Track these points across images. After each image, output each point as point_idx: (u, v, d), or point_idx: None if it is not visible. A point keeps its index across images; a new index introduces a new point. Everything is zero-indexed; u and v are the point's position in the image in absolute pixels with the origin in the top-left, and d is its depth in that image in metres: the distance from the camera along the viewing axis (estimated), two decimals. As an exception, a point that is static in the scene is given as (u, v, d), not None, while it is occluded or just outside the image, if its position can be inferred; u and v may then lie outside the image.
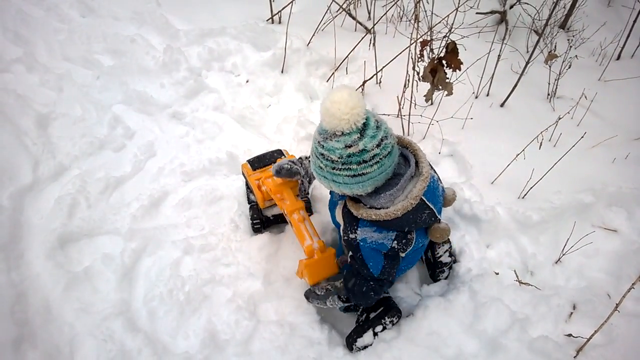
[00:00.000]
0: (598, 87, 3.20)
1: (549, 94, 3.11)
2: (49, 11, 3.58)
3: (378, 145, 1.59)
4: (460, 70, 2.36)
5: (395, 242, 1.79)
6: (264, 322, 2.18)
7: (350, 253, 1.90)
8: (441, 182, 1.94)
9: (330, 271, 2.10)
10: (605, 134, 2.83)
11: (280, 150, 2.49)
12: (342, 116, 1.53)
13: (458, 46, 2.36)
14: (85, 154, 2.76)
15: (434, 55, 2.38)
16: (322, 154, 1.64)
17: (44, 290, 2.18)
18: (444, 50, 2.34)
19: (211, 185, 2.63)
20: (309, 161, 2.04)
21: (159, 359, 2.03)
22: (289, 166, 2.14)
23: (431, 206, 1.77)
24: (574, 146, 2.49)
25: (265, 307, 2.24)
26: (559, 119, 2.64)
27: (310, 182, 2.29)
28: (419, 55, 2.35)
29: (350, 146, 1.58)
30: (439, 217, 1.84)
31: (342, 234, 1.91)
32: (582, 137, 2.53)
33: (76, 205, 2.49)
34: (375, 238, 1.79)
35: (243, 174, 2.49)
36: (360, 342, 2.10)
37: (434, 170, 1.93)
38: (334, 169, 1.64)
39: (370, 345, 2.10)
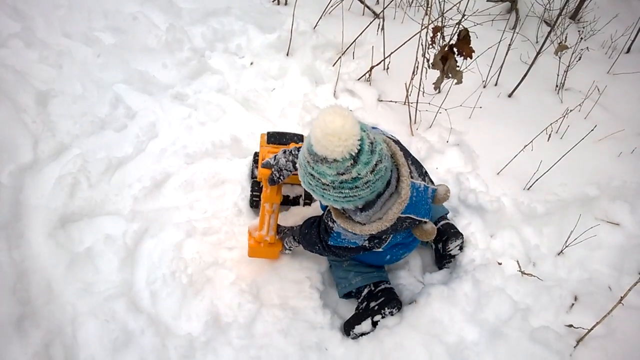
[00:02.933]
0: (607, 80, 3.19)
1: (557, 86, 3.09)
2: (48, -15, 3.50)
3: (372, 171, 1.52)
4: (471, 58, 2.33)
5: (367, 242, 1.83)
6: (266, 306, 2.18)
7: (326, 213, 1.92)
8: (431, 184, 1.88)
9: (270, 257, 2.27)
10: (612, 127, 2.82)
11: (302, 136, 2.42)
12: (335, 148, 1.44)
13: (470, 34, 2.33)
14: (86, 133, 2.71)
15: (445, 42, 2.34)
16: (312, 175, 1.57)
17: (46, 269, 2.16)
18: (456, 38, 2.31)
19: (214, 168, 2.60)
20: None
21: (161, 340, 2.03)
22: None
23: (412, 216, 1.76)
24: (582, 139, 2.48)
25: (268, 291, 2.24)
26: (569, 111, 2.63)
27: None
28: (430, 42, 2.32)
29: (342, 174, 1.50)
30: (423, 219, 1.82)
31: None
32: (592, 130, 2.52)
33: (77, 185, 2.45)
34: (349, 237, 1.83)
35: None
36: (357, 329, 2.10)
37: (422, 173, 1.87)
38: (324, 189, 1.58)
39: (368, 333, 2.11)
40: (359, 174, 1.50)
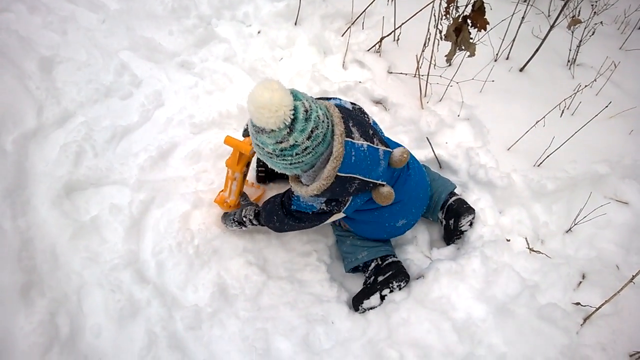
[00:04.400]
0: (619, 56, 3.12)
1: (569, 61, 3.03)
2: (52, -54, 3.39)
3: (309, 138, 1.62)
4: (485, 30, 2.27)
5: (324, 205, 1.89)
6: (273, 278, 2.19)
7: None
8: (382, 147, 1.88)
9: None
10: (624, 104, 2.78)
11: None
12: (268, 120, 1.54)
13: (484, 5, 2.26)
14: (90, 101, 2.67)
15: (459, 14, 2.28)
16: (258, 145, 1.68)
17: (51, 238, 2.14)
18: (470, 9, 2.24)
19: (221, 138, 2.56)
20: None
21: (168, 310, 2.03)
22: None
23: (359, 177, 1.78)
24: (595, 116, 2.44)
25: (274, 263, 2.25)
26: (581, 88, 2.57)
27: None
28: (443, 13, 2.25)
29: (281, 142, 1.60)
30: (377, 182, 1.85)
31: None
32: (606, 107, 2.48)
33: (82, 153, 2.42)
34: (306, 200, 1.91)
35: None
36: (366, 303, 2.10)
37: (367, 126, 1.89)
38: (270, 158, 1.69)
39: (376, 307, 2.11)
40: (296, 142, 1.60)
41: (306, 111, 1.60)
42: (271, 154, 1.66)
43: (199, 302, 2.08)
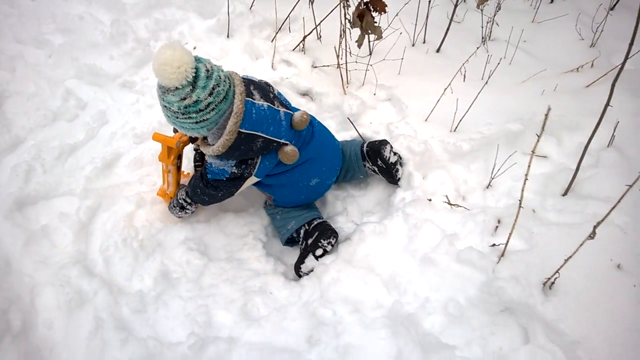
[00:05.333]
0: (531, 28, 3.37)
1: (483, 38, 3.25)
2: (-1, -3, 3.65)
3: (210, 94, 1.79)
4: (385, 12, 2.48)
5: (235, 168, 2.03)
6: (213, 260, 2.33)
7: None
8: (282, 108, 2.07)
9: None
10: (536, 70, 2.98)
11: None
12: (170, 76, 1.70)
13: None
14: (39, 126, 2.86)
15: (360, 0, 2.50)
16: (165, 106, 1.85)
17: (4, 248, 2.28)
18: (368, -5, 2.46)
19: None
20: None
21: (114, 298, 2.17)
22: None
23: (262, 135, 1.94)
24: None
25: (214, 247, 2.40)
26: (490, 57, 2.78)
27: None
28: (345, 1, 2.48)
29: (184, 99, 1.77)
30: (280, 141, 2.02)
31: None
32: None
33: (32, 171, 2.59)
34: (217, 164, 2.05)
35: None
36: (304, 267, 2.25)
37: (269, 91, 2.08)
38: (177, 118, 1.84)
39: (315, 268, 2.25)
40: (198, 97, 1.77)
41: (207, 70, 1.78)
42: (177, 112, 1.81)
43: (144, 289, 2.22)
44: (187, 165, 2.65)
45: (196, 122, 1.85)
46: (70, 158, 2.74)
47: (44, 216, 2.46)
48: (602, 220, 1.66)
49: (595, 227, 1.66)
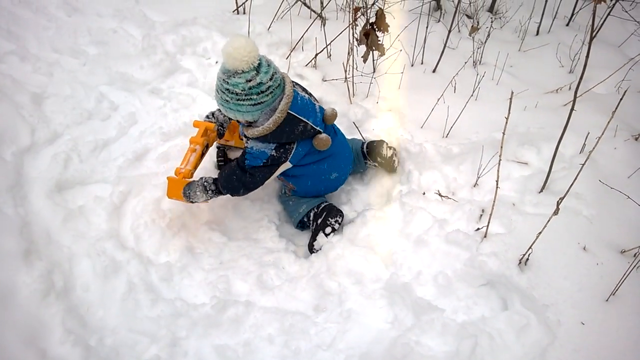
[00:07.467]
0: (518, 55, 3.80)
1: (474, 62, 3.65)
2: (37, 12, 4.02)
3: (271, 79, 2.16)
4: (387, 32, 2.87)
5: (274, 151, 2.31)
6: (233, 239, 2.64)
7: None
8: (317, 102, 2.47)
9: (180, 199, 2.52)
10: (520, 89, 3.36)
11: None
12: (242, 58, 2.04)
13: (387, 14, 2.89)
14: (75, 123, 3.17)
15: (366, 21, 2.89)
16: (228, 89, 2.14)
17: (45, 222, 2.56)
18: (374, 17, 2.86)
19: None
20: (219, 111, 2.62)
21: (144, 267, 2.45)
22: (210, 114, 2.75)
23: (304, 119, 2.29)
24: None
25: (233, 229, 2.71)
26: (482, 76, 3.18)
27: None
28: (353, 20, 2.87)
29: (250, 80, 2.10)
30: (317, 128, 2.36)
31: None
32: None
33: (69, 160, 2.90)
34: (258, 147, 2.32)
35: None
36: (316, 244, 2.57)
37: (307, 92, 2.47)
38: (238, 100, 2.16)
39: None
40: (261, 80, 2.12)
41: (267, 61, 2.17)
42: (240, 94, 2.11)
43: (170, 260, 2.51)
44: (208, 162, 2.98)
45: (254, 104, 2.16)
46: (103, 151, 3.05)
47: (80, 199, 2.76)
48: (564, 196, 2.01)
49: (558, 202, 2.00)
